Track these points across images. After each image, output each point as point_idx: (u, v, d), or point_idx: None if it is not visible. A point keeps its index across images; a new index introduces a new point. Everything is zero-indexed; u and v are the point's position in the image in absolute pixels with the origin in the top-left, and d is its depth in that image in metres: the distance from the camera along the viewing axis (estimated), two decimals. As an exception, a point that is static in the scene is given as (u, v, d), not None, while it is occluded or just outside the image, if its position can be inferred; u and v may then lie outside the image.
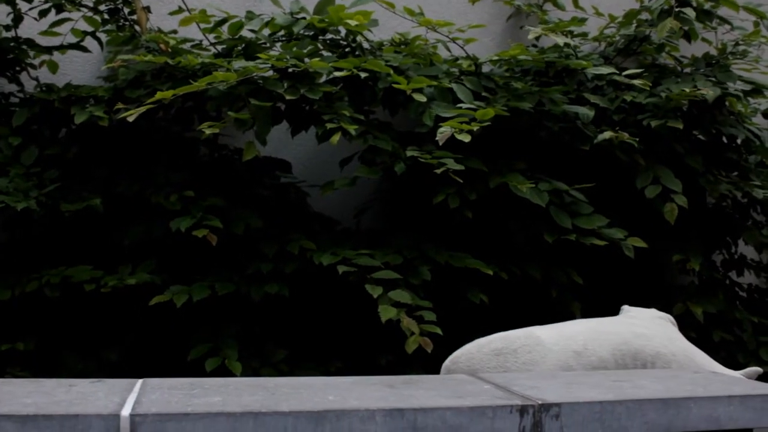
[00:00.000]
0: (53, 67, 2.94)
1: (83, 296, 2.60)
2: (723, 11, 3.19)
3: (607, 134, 2.76)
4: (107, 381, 1.45)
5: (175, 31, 2.98)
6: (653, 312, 2.30)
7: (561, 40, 2.80)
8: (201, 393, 1.38)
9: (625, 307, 2.33)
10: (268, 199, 2.93)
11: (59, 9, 2.79)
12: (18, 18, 2.79)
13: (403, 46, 3.03)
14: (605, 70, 2.90)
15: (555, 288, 2.91)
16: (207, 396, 1.35)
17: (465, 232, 2.89)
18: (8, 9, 2.83)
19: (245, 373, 2.44)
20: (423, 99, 2.58)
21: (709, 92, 2.88)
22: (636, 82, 2.85)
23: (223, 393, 1.38)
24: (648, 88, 2.89)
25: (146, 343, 2.68)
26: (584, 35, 3.33)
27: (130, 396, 1.33)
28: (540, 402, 1.43)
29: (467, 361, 1.94)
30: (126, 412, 1.23)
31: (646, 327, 2.12)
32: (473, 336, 2.84)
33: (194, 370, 2.49)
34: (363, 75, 2.58)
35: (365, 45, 2.92)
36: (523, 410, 1.41)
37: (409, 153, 2.59)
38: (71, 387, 1.38)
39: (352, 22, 2.67)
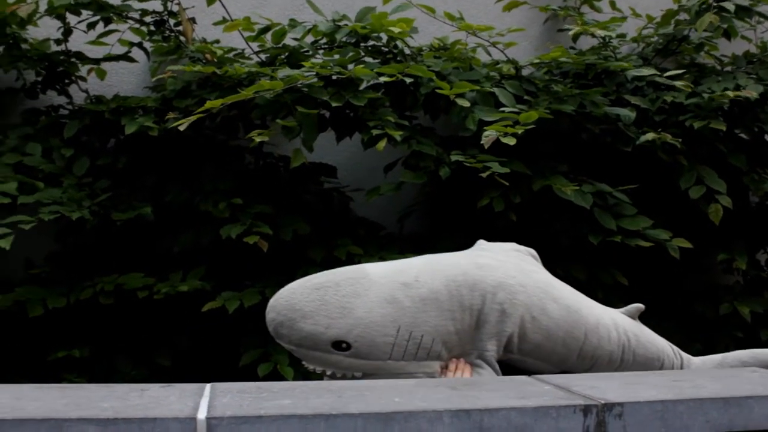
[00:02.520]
0: (101, 74, 3.00)
1: (135, 303, 2.65)
2: (762, 8, 3.18)
3: (650, 135, 2.77)
4: (177, 385, 1.49)
5: (217, 41, 3.02)
6: (510, 245, 2.12)
7: (603, 33, 2.80)
8: (270, 396, 1.41)
9: (480, 242, 2.13)
10: (313, 204, 2.97)
11: (107, 21, 2.84)
12: (68, 31, 2.85)
13: (442, 51, 3.05)
14: (646, 71, 2.90)
15: (600, 289, 2.91)
16: (276, 399, 1.38)
17: (509, 234, 2.90)
18: (58, 23, 2.90)
19: (296, 378, 2.47)
20: (466, 104, 2.60)
21: (753, 93, 2.87)
22: (678, 83, 2.84)
23: (291, 396, 1.41)
24: (690, 89, 2.89)
25: (198, 349, 2.73)
26: (622, 36, 3.33)
27: (203, 400, 1.36)
28: (603, 401, 1.44)
29: (288, 296, 1.78)
30: (202, 415, 1.26)
31: (493, 258, 1.94)
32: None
33: (246, 375, 2.53)
34: (408, 80, 2.60)
35: (406, 51, 2.94)
36: (586, 410, 1.43)
37: (453, 157, 2.61)
38: (143, 391, 1.42)
39: (395, 29, 2.70)
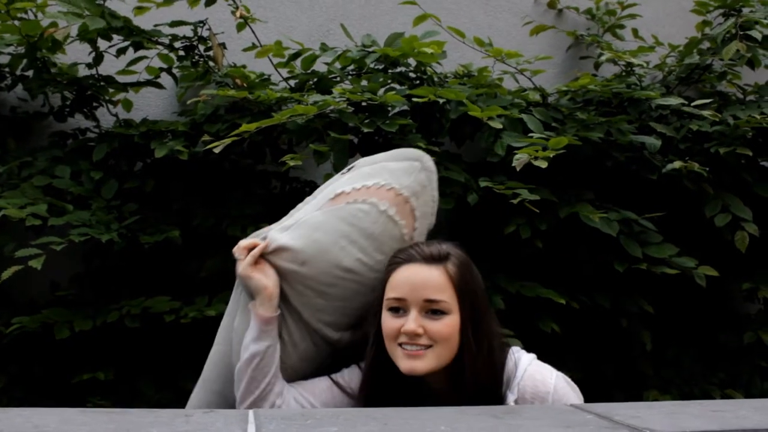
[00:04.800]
0: (128, 106, 3.04)
1: (160, 326, 2.65)
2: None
3: (677, 164, 2.77)
4: (220, 411, 1.48)
5: (245, 66, 3.05)
6: None
7: (635, 61, 2.82)
8: (315, 423, 1.40)
9: None
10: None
11: (137, 47, 2.87)
12: (99, 57, 2.87)
13: (466, 78, 3.07)
14: (674, 101, 2.91)
15: (625, 317, 2.91)
16: (323, 426, 1.37)
17: (534, 261, 2.91)
18: (85, 49, 2.92)
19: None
20: (498, 125, 2.61)
21: (778, 119, 2.88)
22: (705, 113, 2.85)
23: (337, 423, 1.40)
24: (717, 118, 2.90)
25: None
26: (645, 65, 3.35)
27: (249, 426, 1.36)
28: (648, 431, 1.43)
29: None
30: (252, 441, 1.26)
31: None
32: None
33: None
34: (441, 100, 2.61)
35: (434, 78, 2.96)
36: (632, 440, 1.42)
37: (482, 183, 2.62)
38: (188, 417, 1.41)
39: (428, 50, 2.72)
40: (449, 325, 1.66)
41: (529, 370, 1.72)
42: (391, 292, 1.69)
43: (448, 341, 1.66)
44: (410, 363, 1.65)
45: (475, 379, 1.66)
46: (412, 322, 1.65)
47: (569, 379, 1.73)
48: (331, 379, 1.81)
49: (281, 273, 1.79)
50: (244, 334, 1.81)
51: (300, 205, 1.94)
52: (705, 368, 3.26)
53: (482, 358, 1.67)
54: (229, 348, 1.90)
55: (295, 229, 1.82)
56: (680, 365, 3.22)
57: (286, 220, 1.90)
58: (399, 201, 1.84)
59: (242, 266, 1.79)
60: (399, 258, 1.73)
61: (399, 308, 1.69)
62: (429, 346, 1.65)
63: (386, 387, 1.71)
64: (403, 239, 1.83)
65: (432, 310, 1.67)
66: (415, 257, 1.71)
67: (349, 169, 1.92)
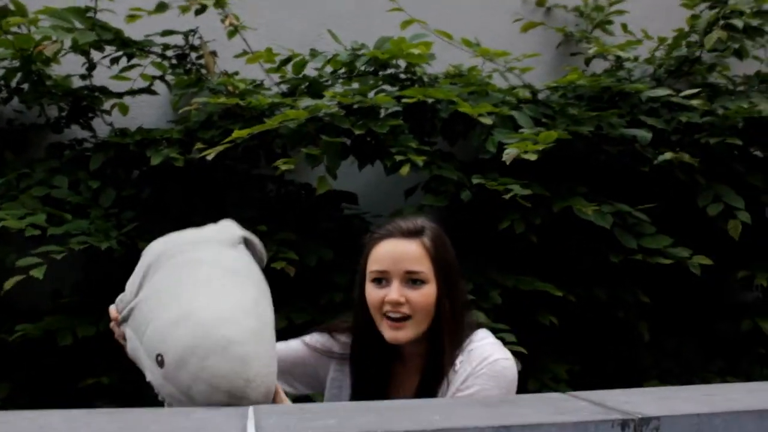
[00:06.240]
0: (124, 110, 3.06)
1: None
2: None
3: (668, 155, 2.80)
4: (220, 408, 1.51)
5: (237, 72, 3.08)
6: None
7: (623, 54, 2.85)
8: (313, 417, 1.43)
9: None
10: (334, 230, 3.00)
11: (130, 56, 2.90)
12: (91, 67, 2.91)
13: (457, 78, 3.10)
14: (662, 92, 2.94)
15: (622, 309, 2.93)
16: (321, 419, 1.40)
17: (529, 256, 2.94)
18: (80, 60, 2.96)
19: (319, 400, 2.49)
20: (489, 122, 2.64)
21: (766, 108, 2.91)
22: (695, 102, 2.88)
23: (335, 416, 1.43)
24: (707, 108, 2.93)
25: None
26: (634, 60, 3.38)
27: (249, 421, 1.38)
28: (640, 416, 1.46)
29: None
30: (251, 435, 1.29)
31: None
32: (544, 356, 2.88)
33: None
34: (430, 100, 2.65)
35: (424, 79, 2.99)
36: (624, 424, 1.44)
37: (475, 180, 2.65)
38: (189, 414, 1.44)
39: (416, 51, 2.75)
40: (427, 294, 1.78)
41: (487, 339, 1.84)
42: (374, 265, 1.82)
43: (427, 309, 1.79)
44: (394, 333, 1.78)
45: (450, 339, 1.80)
46: (394, 291, 1.77)
47: (513, 362, 1.82)
48: (304, 342, 1.98)
49: None
50: None
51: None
52: (704, 357, 3.28)
53: (456, 322, 1.82)
54: None
55: None
56: (679, 355, 3.25)
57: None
58: None
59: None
60: (379, 233, 1.85)
61: (382, 279, 1.80)
62: (409, 317, 1.78)
63: (369, 350, 1.87)
64: None
65: (412, 280, 1.79)
66: (394, 232, 1.83)
67: None
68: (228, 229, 1.83)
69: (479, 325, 1.91)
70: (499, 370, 1.77)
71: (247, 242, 1.81)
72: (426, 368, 1.81)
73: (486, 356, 1.78)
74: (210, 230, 1.84)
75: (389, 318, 1.79)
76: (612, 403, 1.58)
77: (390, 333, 1.79)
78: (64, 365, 2.74)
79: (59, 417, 1.37)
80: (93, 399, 2.65)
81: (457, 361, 1.80)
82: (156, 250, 1.77)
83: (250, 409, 1.50)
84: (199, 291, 1.61)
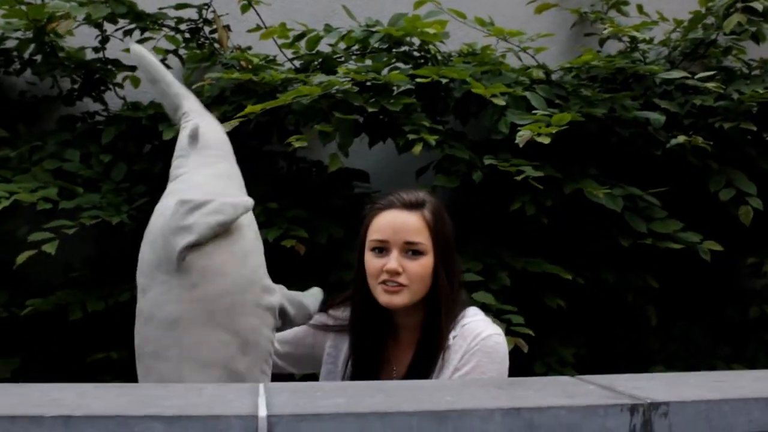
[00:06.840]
0: (136, 83, 3.05)
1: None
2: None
3: (681, 138, 2.79)
4: (232, 385, 1.52)
5: (250, 47, 3.07)
6: None
7: (638, 35, 2.83)
8: (323, 396, 1.44)
9: None
10: (345, 209, 3.00)
11: (143, 30, 2.89)
12: (105, 39, 2.90)
13: (471, 57, 3.08)
14: (677, 74, 2.92)
15: (630, 292, 2.93)
16: (331, 398, 1.41)
17: (539, 238, 2.93)
18: (94, 32, 2.95)
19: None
20: (502, 102, 2.63)
21: (782, 94, 2.89)
22: (709, 85, 2.86)
23: (345, 395, 1.44)
24: (722, 91, 2.90)
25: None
26: (649, 41, 3.35)
27: (260, 399, 1.39)
28: (649, 401, 1.46)
29: None
30: (263, 413, 1.29)
31: None
32: (551, 339, 2.89)
33: (284, 376, 2.56)
34: (444, 80, 2.63)
35: (438, 57, 2.98)
36: (633, 409, 1.45)
37: (486, 161, 2.64)
38: (201, 390, 1.45)
39: (430, 30, 2.74)
40: (424, 265, 1.83)
41: (479, 316, 1.89)
42: (374, 234, 1.85)
43: (423, 280, 1.83)
44: (389, 297, 1.82)
45: (447, 310, 1.84)
46: (393, 261, 1.81)
47: (503, 338, 1.88)
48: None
49: None
50: None
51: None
52: (711, 343, 3.29)
53: (452, 294, 1.87)
54: None
55: None
56: (686, 340, 3.25)
57: None
58: None
59: None
60: (380, 204, 1.89)
61: (381, 248, 1.84)
62: (405, 286, 1.82)
63: (366, 320, 1.91)
64: None
65: (411, 251, 1.83)
66: (395, 204, 1.87)
67: None
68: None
69: (471, 303, 1.96)
70: (492, 345, 1.82)
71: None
72: (421, 340, 1.85)
73: (479, 332, 1.83)
74: None
75: (386, 284, 1.82)
76: (622, 388, 1.58)
77: (385, 297, 1.82)
78: (74, 339, 2.76)
79: (71, 391, 1.38)
80: (102, 373, 2.66)
81: (451, 336, 1.83)
82: None
83: (261, 387, 1.51)
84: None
